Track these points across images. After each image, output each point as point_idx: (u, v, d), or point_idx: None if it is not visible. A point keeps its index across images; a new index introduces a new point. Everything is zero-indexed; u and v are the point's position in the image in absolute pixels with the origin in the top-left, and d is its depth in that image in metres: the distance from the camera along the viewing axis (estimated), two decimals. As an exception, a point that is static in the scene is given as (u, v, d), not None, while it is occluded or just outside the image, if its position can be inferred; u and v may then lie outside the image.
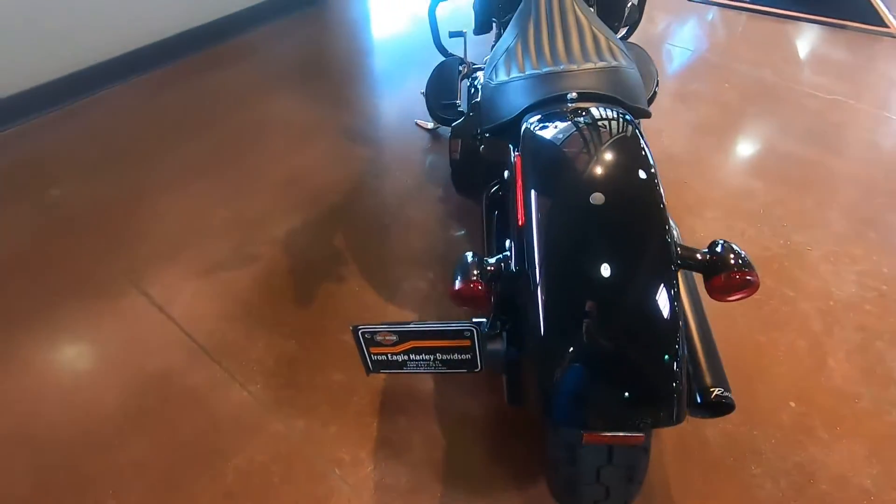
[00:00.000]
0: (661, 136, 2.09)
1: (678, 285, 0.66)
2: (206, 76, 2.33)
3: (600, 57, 1.01)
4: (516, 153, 0.87)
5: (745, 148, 2.09)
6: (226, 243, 1.66)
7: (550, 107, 0.90)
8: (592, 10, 1.21)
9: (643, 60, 1.64)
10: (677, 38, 2.76)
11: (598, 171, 0.73)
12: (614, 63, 0.95)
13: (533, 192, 0.74)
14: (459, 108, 1.75)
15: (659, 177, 0.78)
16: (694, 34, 2.84)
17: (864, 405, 1.36)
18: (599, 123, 0.81)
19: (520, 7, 1.21)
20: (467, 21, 1.70)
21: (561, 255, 0.66)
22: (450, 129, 1.52)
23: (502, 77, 1.03)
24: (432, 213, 1.77)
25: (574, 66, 0.94)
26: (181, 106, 2.17)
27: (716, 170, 2.00)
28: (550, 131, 0.83)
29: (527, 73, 0.97)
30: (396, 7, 2.83)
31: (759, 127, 2.20)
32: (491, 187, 1.18)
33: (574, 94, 0.87)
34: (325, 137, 2.04)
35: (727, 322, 1.49)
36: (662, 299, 0.63)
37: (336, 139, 2.04)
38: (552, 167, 0.76)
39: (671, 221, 0.74)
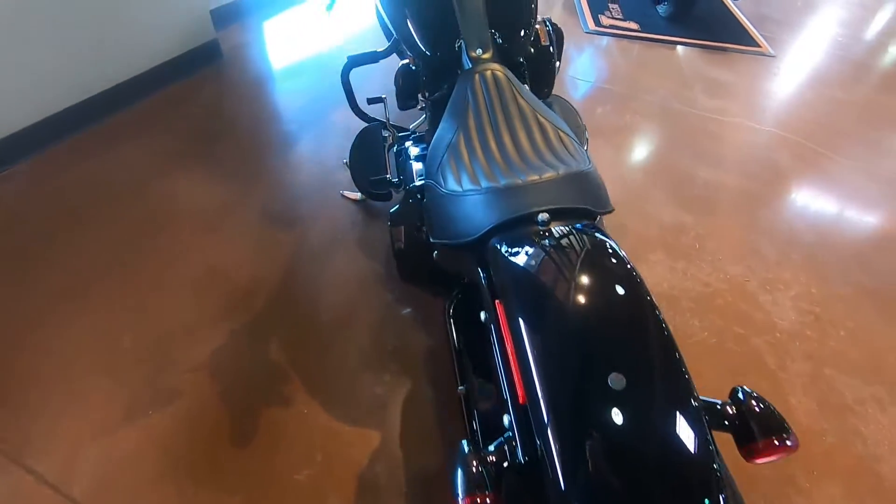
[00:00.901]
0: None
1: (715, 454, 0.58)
2: (101, 155, 2.00)
3: (557, 157, 0.93)
4: (494, 298, 0.76)
5: (668, 180, 2.15)
6: (136, 377, 1.38)
7: (519, 228, 0.80)
8: (526, 86, 1.14)
9: (569, 113, 1.62)
10: (578, 70, 2.83)
11: (610, 339, 0.63)
12: (575, 166, 0.87)
13: (532, 359, 0.62)
14: (393, 181, 1.62)
15: (659, 309, 0.70)
16: (593, 65, 2.94)
17: (830, 440, 1.40)
18: (584, 254, 0.72)
19: (454, 93, 1.11)
20: (384, 83, 1.58)
21: (591, 453, 0.55)
22: (386, 204, 1.39)
23: (453, 185, 0.91)
24: (376, 299, 1.61)
25: (535, 176, 0.85)
26: (72, 195, 1.83)
27: (646, 204, 2.03)
28: (531, 267, 0.73)
29: (483, 185, 0.86)
30: (301, 62, 2.64)
31: (676, 156, 2.28)
32: (452, 300, 1.06)
33: (545, 216, 0.78)
34: (242, 221, 1.81)
35: (696, 378, 1.48)
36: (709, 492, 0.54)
37: (254, 222, 1.81)
38: (548, 326, 0.66)
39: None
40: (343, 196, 1.93)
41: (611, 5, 3.46)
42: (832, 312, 1.71)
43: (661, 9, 3.33)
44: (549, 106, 1.41)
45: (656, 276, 1.78)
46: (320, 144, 2.16)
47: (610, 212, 0.90)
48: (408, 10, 1.24)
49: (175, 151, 2.06)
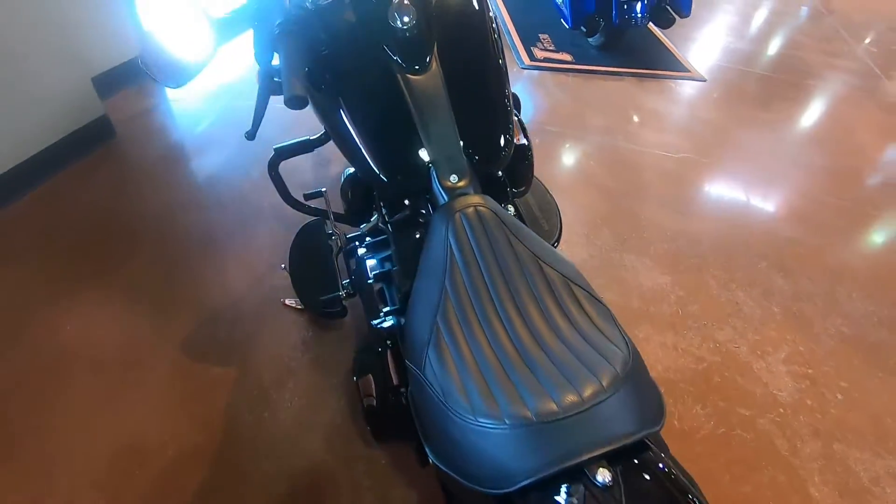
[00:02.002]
0: (560, 247, 1.93)
1: None
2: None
3: (582, 335, 0.72)
4: None
5: (636, 235, 2.03)
6: None
7: (564, 480, 0.58)
8: (517, 220, 0.91)
9: (547, 207, 1.44)
10: (526, 113, 2.69)
11: None
12: (617, 370, 0.66)
13: None
14: (344, 298, 1.35)
15: None
16: (534, 104, 2.81)
17: (862, 537, 1.30)
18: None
19: (430, 235, 0.87)
20: (321, 174, 1.30)
21: None
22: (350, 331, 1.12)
23: (454, 394, 0.67)
24: (354, 468, 1.32)
25: (573, 396, 0.63)
26: None
27: (620, 270, 1.90)
28: None
29: (503, 408, 0.63)
30: (215, 128, 2.28)
31: (637, 206, 2.18)
32: None
33: (606, 475, 0.56)
34: (160, 364, 1.46)
35: (715, 486, 1.35)
36: None
37: (176, 362, 1.46)
38: None
39: None
40: (284, 305, 1.63)
41: (541, 36, 3.36)
42: (824, 373, 1.65)
43: (593, 39, 3.26)
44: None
45: (649, 357, 1.63)
46: (249, 238, 1.83)
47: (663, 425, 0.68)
48: (353, 124, 0.97)
49: (67, 267, 1.65)
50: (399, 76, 0.92)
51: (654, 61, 3.27)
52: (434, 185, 0.92)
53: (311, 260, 1.46)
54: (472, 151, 0.95)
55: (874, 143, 2.81)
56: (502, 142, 0.99)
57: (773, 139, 2.74)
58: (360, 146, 0.97)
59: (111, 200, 1.90)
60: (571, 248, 1.93)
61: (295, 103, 0.80)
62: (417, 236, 1.00)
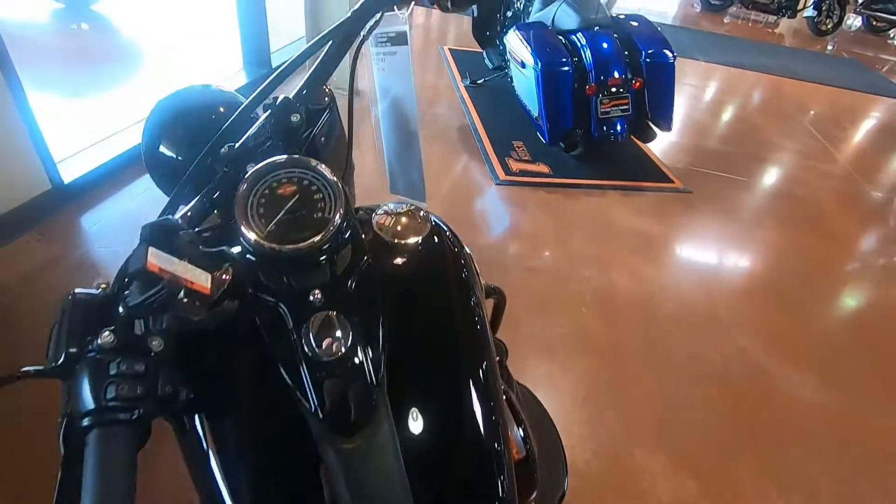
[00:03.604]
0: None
1: None
2: None
3: None
4: None
5: (648, 417, 1.68)
6: None
7: None
8: None
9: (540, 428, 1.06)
10: (496, 245, 2.38)
11: None
12: None
13: None
14: None
15: None
16: (511, 233, 2.52)
17: None
18: None
19: None
20: None
21: None
22: None
23: None
24: None
25: None
26: None
27: (634, 476, 1.52)
28: None
29: None
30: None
31: (649, 374, 1.83)
32: None
33: None
34: None
35: None
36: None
37: None
38: None
39: None
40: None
41: (515, 144, 3.14)
42: None
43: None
44: None
45: None
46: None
47: None
48: None
49: None
50: (322, 444, 0.54)
51: (636, 171, 3.07)
52: None
53: None
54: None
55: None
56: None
57: (781, 271, 2.50)
58: None
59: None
60: (571, 453, 1.54)
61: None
62: None
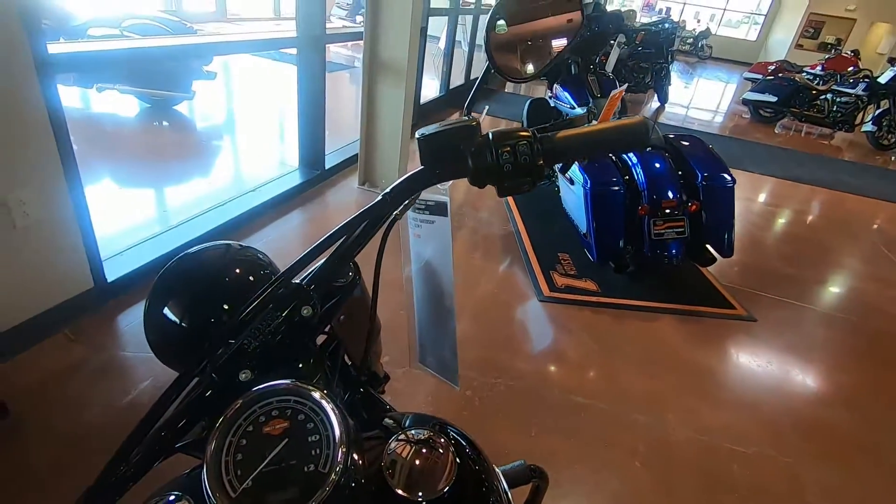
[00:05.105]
0: None
1: None
2: None
3: None
4: None
5: None
6: None
7: None
8: None
9: None
10: (547, 370, 2.18)
11: None
12: None
13: None
14: None
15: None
16: (556, 353, 2.32)
17: None
18: None
19: None
20: None
21: None
22: None
23: None
24: None
25: None
26: None
27: None
28: None
29: None
30: (138, 407, 1.78)
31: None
32: None
33: None
34: None
35: None
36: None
37: None
38: None
39: None
40: None
41: (561, 256, 3.02)
42: None
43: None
44: None
45: None
46: None
47: None
48: None
49: None
50: None
51: (693, 294, 2.85)
52: None
53: None
54: None
55: None
56: None
57: (872, 422, 2.14)
58: None
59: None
60: None
61: None
62: None
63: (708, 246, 2.62)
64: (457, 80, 6.42)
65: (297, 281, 0.58)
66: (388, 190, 0.59)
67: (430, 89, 6.19)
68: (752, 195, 4.80)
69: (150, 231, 2.61)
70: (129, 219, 2.93)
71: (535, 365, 2.20)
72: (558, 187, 3.23)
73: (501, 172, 0.56)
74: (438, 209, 0.71)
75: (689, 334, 2.54)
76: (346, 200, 3.49)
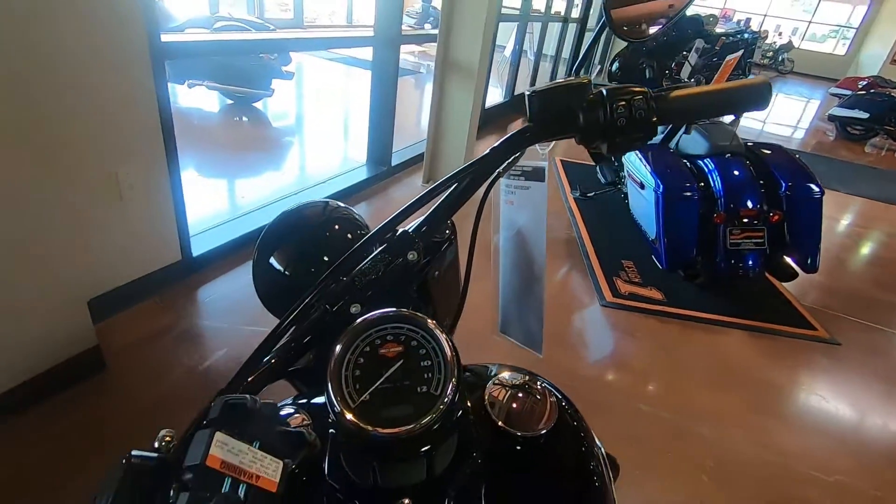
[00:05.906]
0: None
1: None
2: None
3: None
4: None
5: None
6: None
7: None
8: None
9: None
10: (609, 375, 2.12)
11: None
12: None
13: None
14: None
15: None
16: (616, 359, 2.24)
17: None
18: None
19: None
20: None
21: None
22: None
23: None
24: None
25: None
26: None
27: None
28: None
29: None
30: (218, 369, 1.90)
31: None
32: None
33: None
34: None
35: None
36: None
37: None
38: None
39: None
40: None
41: (625, 263, 2.94)
42: None
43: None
44: None
45: None
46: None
47: None
48: None
49: None
50: None
51: (768, 311, 2.68)
52: None
53: None
54: None
55: None
56: None
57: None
58: None
59: (79, 462, 1.45)
60: None
61: None
62: None
63: (789, 260, 2.47)
64: (521, 87, 6.42)
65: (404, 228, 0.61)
66: (496, 144, 0.61)
67: (494, 95, 6.22)
68: (837, 215, 4.46)
69: (229, 215, 2.78)
70: (210, 203, 3.13)
71: (597, 368, 2.15)
72: (625, 193, 3.15)
73: (615, 127, 0.56)
74: (535, 174, 0.72)
75: (761, 351, 2.39)
76: (410, 196, 3.55)
